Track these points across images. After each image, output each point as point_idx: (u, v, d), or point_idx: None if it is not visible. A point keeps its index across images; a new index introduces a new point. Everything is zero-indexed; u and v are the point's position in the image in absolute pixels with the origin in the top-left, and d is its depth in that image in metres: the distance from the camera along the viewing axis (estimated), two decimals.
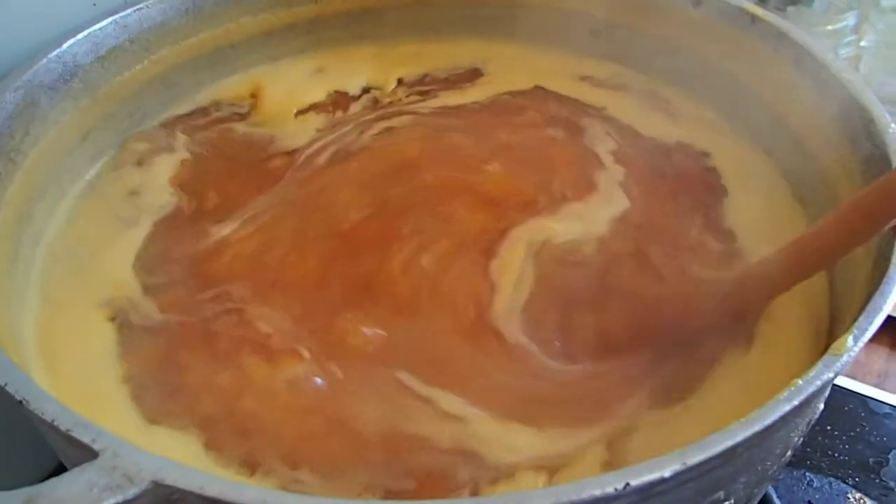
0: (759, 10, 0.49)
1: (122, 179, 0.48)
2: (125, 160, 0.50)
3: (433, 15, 0.59)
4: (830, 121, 0.43)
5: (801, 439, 0.33)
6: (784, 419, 0.26)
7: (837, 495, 0.50)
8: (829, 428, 0.54)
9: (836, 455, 0.52)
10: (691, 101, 0.53)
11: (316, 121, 0.54)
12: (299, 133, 0.52)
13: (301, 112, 0.54)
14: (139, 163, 0.49)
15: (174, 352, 0.38)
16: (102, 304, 0.41)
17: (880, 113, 0.40)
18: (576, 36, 0.57)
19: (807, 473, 0.51)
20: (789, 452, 0.33)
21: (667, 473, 0.24)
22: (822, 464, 0.52)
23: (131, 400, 0.36)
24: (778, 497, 0.49)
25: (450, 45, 0.59)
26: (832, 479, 0.51)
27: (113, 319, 0.40)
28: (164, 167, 0.49)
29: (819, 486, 0.50)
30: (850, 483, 0.51)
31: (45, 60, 0.45)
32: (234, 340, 0.38)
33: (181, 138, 0.51)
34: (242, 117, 0.54)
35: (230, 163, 0.50)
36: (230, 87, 0.56)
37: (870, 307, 0.30)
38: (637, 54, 0.56)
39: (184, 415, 0.35)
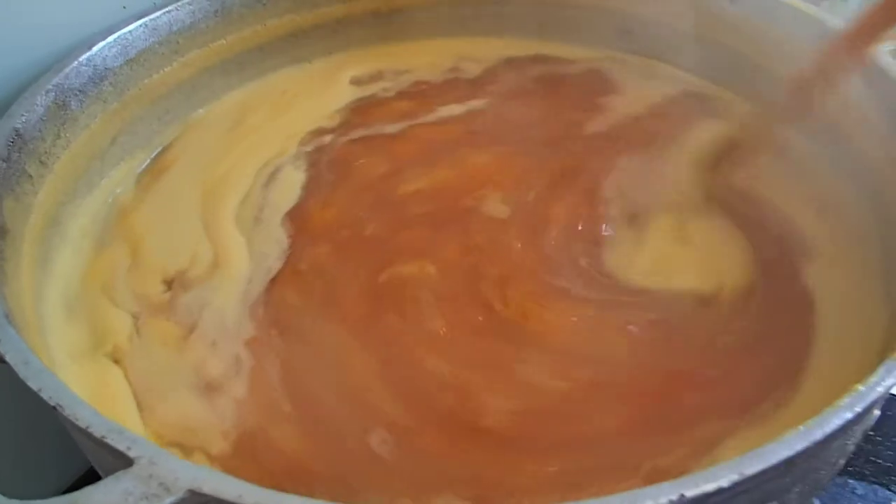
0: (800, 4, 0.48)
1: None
2: None
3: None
4: (879, 115, 0.42)
5: (854, 447, 0.32)
6: (844, 427, 0.25)
7: (882, 503, 0.48)
8: (872, 434, 0.52)
9: (880, 461, 0.51)
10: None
11: None
12: None
13: None
14: None
15: None
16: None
17: None
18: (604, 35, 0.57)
19: (850, 480, 0.50)
20: (842, 461, 0.32)
21: (724, 483, 0.23)
22: (866, 470, 0.50)
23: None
24: None
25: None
26: (877, 486, 0.49)
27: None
28: None
29: (863, 493, 0.49)
30: (895, 490, 0.49)
31: (75, 63, 0.45)
32: None
33: None
34: None
35: None
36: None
37: None
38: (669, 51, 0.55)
39: None
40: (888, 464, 0.50)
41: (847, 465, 0.49)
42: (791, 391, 0.36)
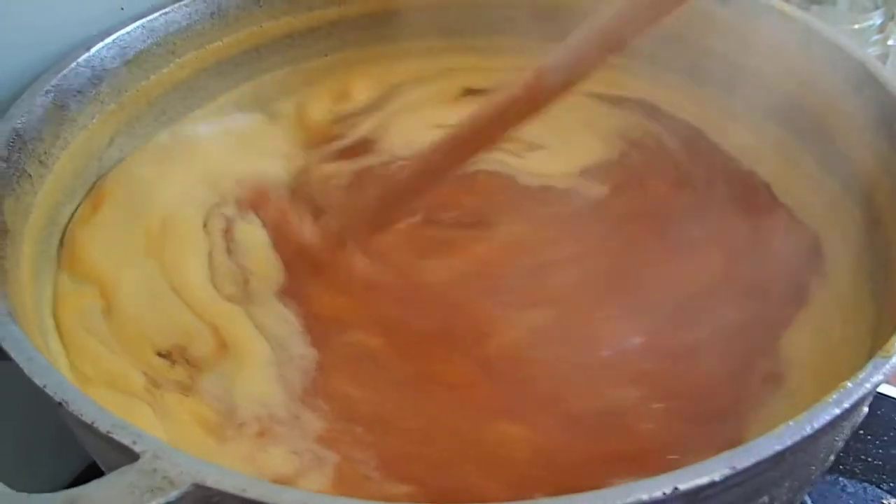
0: (786, 7, 0.48)
1: None
2: None
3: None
4: (861, 114, 0.42)
5: (844, 443, 0.33)
6: (833, 423, 0.26)
7: (872, 500, 0.49)
8: (862, 432, 0.53)
9: (869, 460, 0.51)
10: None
11: None
12: None
13: None
14: None
15: None
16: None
17: None
18: None
19: (840, 478, 0.50)
20: (832, 456, 0.32)
21: (717, 477, 0.23)
22: (856, 468, 0.51)
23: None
24: (812, 502, 0.48)
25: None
26: (866, 484, 0.50)
27: None
28: None
29: (853, 491, 0.50)
30: (885, 488, 0.50)
31: (73, 65, 0.45)
32: None
33: None
34: None
35: None
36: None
37: None
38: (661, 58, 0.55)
39: None
40: (878, 462, 0.51)
41: (838, 463, 0.50)
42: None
